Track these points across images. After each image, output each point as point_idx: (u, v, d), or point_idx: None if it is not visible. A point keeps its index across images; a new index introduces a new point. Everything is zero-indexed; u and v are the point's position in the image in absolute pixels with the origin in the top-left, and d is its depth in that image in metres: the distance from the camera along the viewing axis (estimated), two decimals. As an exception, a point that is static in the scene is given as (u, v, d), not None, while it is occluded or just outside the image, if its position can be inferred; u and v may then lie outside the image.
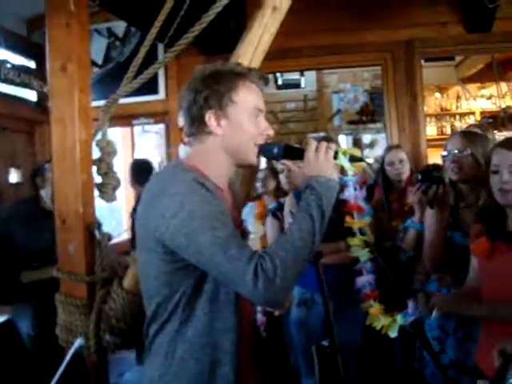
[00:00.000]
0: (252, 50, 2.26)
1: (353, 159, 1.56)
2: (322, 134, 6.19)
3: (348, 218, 1.72)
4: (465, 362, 2.18)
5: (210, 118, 1.54)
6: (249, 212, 3.82)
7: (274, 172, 3.73)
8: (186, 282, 1.49)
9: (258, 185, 3.78)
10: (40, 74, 4.73)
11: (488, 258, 2.01)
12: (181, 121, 1.63)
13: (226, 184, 1.64)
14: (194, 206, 1.40)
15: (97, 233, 2.52)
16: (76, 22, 2.47)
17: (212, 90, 1.53)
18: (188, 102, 1.56)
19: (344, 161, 1.54)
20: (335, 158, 1.53)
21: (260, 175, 3.77)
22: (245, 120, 1.56)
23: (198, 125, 1.57)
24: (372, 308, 1.81)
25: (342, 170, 1.62)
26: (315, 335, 2.58)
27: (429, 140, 6.15)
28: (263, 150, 1.59)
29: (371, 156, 6.74)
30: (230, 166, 1.62)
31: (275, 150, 1.58)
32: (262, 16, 2.27)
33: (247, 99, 1.56)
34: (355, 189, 1.63)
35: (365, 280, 1.83)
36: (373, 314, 1.79)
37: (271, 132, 1.61)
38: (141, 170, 4.36)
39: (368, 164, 1.54)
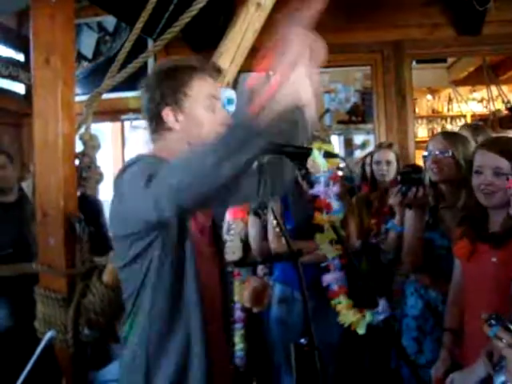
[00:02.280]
0: (235, 46, 2.26)
1: (327, 155, 1.56)
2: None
3: (317, 215, 1.72)
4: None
5: (167, 114, 1.56)
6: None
7: None
8: (147, 274, 1.50)
9: None
10: (29, 66, 4.71)
11: (468, 260, 2.02)
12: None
13: None
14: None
15: (77, 227, 2.52)
16: (60, 14, 2.46)
17: (166, 87, 1.56)
18: (146, 100, 1.59)
19: (318, 156, 1.54)
20: (310, 154, 1.53)
21: None
22: (201, 112, 1.58)
23: (157, 122, 1.59)
24: (340, 304, 1.81)
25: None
26: (295, 333, 2.59)
27: (420, 142, 6.19)
28: None
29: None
30: None
31: None
32: (246, 13, 2.27)
33: (201, 91, 1.58)
34: (328, 185, 1.62)
35: (332, 277, 1.83)
36: (341, 310, 1.79)
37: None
38: None
39: (343, 160, 1.55)
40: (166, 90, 1.55)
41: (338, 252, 1.78)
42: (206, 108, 1.58)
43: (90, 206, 3.08)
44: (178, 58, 1.63)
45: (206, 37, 4.08)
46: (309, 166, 1.47)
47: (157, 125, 1.59)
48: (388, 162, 3.40)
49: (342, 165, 2.02)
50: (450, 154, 2.33)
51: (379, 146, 3.60)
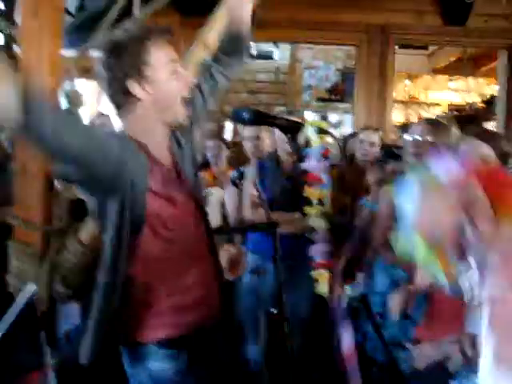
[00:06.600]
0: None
1: (320, 131, 1.60)
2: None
3: (307, 188, 1.76)
4: (401, 339, 2.29)
5: (132, 86, 1.57)
6: None
7: (225, 142, 3.82)
8: None
9: (209, 154, 3.78)
10: (10, 15, 4.55)
11: None
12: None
13: (167, 158, 1.68)
14: None
15: (56, 183, 2.50)
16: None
17: (126, 60, 1.56)
18: (107, 79, 1.60)
19: (311, 132, 1.57)
20: (302, 128, 1.56)
21: (211, 144, 3.78)
22: (166, 77, 1.60)
23: (123, 96, 1.59)
24: (321, 276, 1.87)
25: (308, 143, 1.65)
26: (265, 303, 2.64)
27: (394, 126, 6.28)
28: (233, 114, 1.61)
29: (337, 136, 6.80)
30: (164, 130, 1.66)
31: (245, 115, 1.61)
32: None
33: (160, 56, 1.59)
34: (319, 160, 1.66)
35: (319, 249, 1.88)
36: (322, 281, 1.85)
37: (193, 79, 1.69)
38: None
39: (334, 137, 1.60)
40: (126, 63, 1.56)
41: (326, 225, 1.83)
42: (169, 72, 1.60)
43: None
44: (124, 29, 1.72)
45: (194, 1, 4.04)
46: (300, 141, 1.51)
47: (124, 99, 1.60)
48: (372, 144, 3.47)
49: (330, 141, 2.06)
50: (430, 140, 2.39)
51: (365, 128, 3.68)
